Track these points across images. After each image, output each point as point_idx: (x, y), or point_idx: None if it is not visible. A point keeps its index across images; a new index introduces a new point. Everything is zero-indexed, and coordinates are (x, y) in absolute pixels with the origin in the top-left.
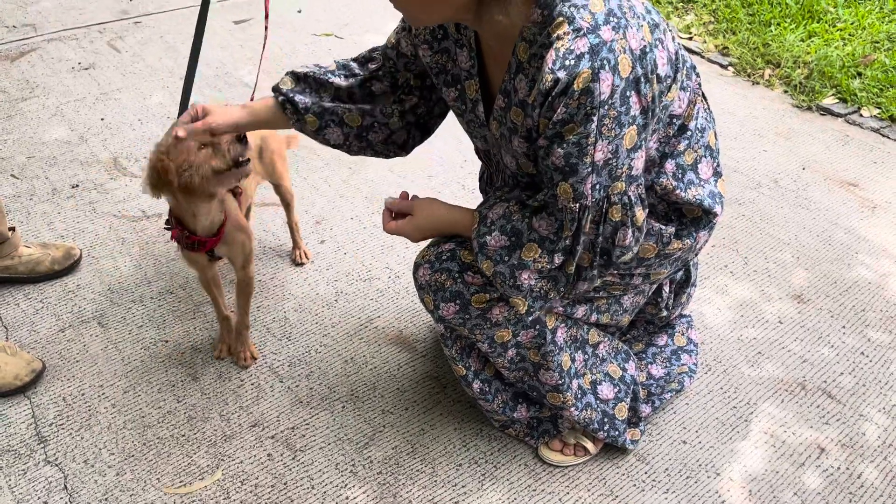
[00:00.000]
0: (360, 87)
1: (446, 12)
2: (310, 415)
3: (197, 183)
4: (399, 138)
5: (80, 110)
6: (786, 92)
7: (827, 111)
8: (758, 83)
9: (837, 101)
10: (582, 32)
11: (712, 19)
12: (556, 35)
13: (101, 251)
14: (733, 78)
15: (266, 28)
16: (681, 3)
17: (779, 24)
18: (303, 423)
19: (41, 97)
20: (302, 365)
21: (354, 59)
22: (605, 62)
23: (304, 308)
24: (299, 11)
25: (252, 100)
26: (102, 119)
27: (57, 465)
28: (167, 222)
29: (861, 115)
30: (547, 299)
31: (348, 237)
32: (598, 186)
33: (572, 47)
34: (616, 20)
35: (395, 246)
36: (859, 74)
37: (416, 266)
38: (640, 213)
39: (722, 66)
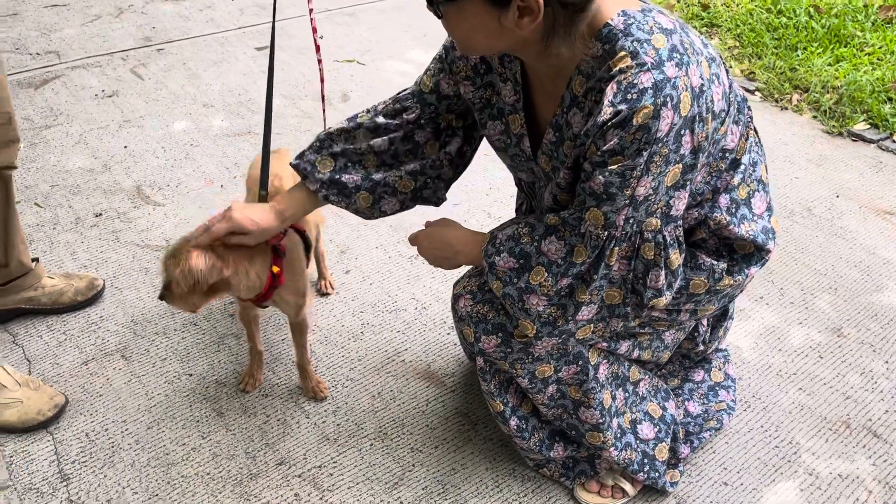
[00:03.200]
0: (402, 142)
1: (507, 43)
2: (337, 452)
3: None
4: (448, 185)
5: (103, 138)
6: (815, 117)
7: (859, 137)
8: (786, 108)
9: (869, 126)
10: (646, 67)
11: (737, 44)
12: (617, 68)
13: (124, 281)
14: (761, 103)
15: (320, 62)
16: (704, 28)
17: (805, 49)
18: (330, 462)
19: (65, 125)
20: (328, 400)
21: (383, 115)
22: (668, 99)
23: (330, 341)
24: (321, 38)
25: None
26: (126, 147)
27: None
28: None
29: (894, 141)
30: (555, 326)
31: (374, 267)
32: (631, 220)
33: (635, 81)
34: (679, 56)
35: (421, 276)
36: (890, 100)
37: (457, 297)
38: (676, 257)
39: (749, 91)
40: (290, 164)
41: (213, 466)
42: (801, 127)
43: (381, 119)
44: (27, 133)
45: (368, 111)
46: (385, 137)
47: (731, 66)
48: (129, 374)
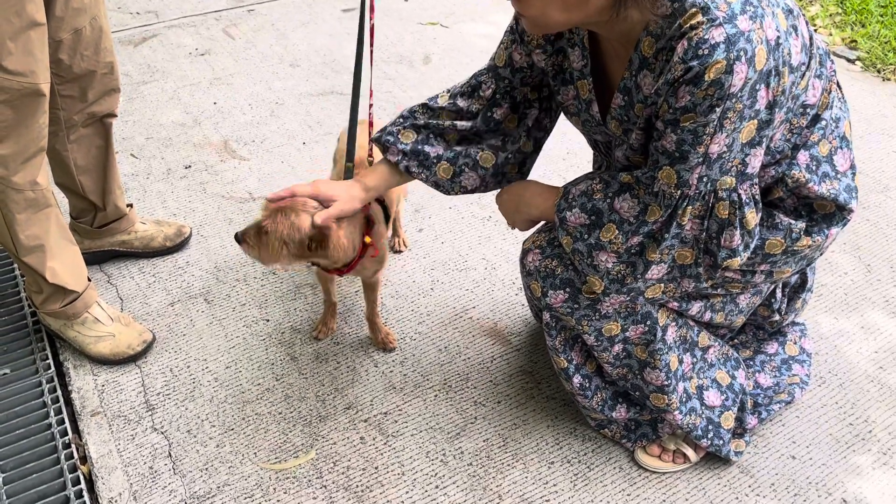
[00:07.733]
0: (483, 122)
1: (581, 15)
2: (402, 401)
3: (284, 255)
4: (530, 162)
5: (195, 94)
6: None
7: None
8: (888, 79)
9: None
10: (717, 22)
11: (839, 10)
12: (688, 25)
13: (209, 230)
14: (861, 73)
15: (371, 21)
16: None
17: None
18: (395, 409)
19: (160, 81)
20: (396, 351)
21: (461, 95)
22: (741, 53)
23: (401, 295)
24: (405, 0)
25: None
26: (215, 103)
27: (163, 433)
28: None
29: None
30: (623, 283)
31: (446, 226)
32: (705, 179)
33: (706, 37)
34: (753, 9)
35: (492, 237)
36: None
37: (525, 252)
38: (752, 216)
39: (849, 60)
40: (371, 139)
41: (285, 406)
42: None
43: (461, 102)
44: (126, 88)
45: (448, 91)
46: (467, 122)
47: (831, 34)
48: (210, 317)
